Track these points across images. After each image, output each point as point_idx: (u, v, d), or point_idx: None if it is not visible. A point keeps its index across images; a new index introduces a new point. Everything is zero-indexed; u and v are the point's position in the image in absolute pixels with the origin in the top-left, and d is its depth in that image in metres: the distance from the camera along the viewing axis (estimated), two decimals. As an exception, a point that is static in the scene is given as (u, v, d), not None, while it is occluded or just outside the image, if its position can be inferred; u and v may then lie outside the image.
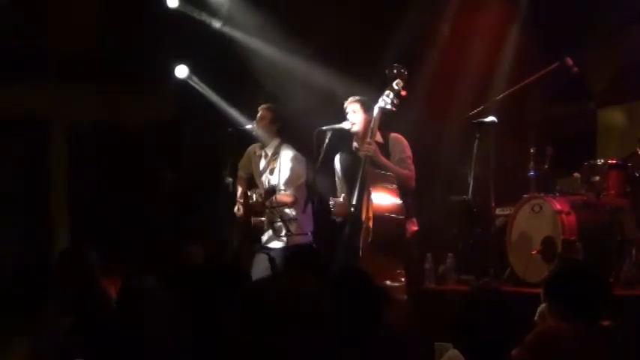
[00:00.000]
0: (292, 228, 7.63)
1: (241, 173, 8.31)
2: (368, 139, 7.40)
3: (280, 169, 7.92)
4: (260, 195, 7.91)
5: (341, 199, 7.54)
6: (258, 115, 8.15)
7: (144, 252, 9.41)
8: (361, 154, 7.41)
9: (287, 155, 7.98)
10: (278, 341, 2.49)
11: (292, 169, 7.91)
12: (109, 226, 10.17)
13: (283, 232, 7.66)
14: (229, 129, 8.53)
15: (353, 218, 7.40)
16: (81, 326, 4.01)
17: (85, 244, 5.63)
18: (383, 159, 7.39)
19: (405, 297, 6.97)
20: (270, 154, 8.08)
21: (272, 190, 7.80)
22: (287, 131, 8.26)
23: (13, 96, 10.28)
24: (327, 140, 7.73)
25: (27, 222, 10.59)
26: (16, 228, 10.38)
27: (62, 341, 3.92)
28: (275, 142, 8.09)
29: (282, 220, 7.63)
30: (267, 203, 7.84)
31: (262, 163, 8.13)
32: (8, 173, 10.58)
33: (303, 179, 7.90)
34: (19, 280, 4.80)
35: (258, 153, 8.20)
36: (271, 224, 7.85)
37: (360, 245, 7.20)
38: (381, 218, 7.13)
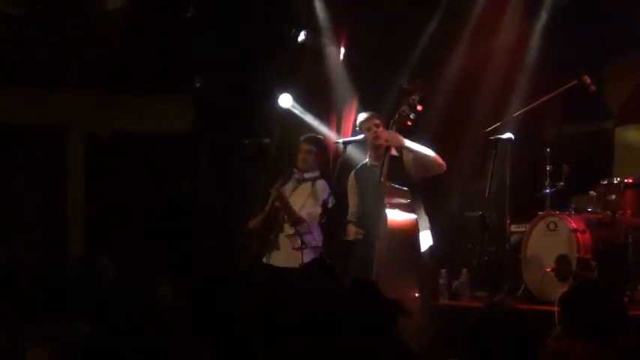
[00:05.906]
0: (307, 241, 7.60)
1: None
2: (391, 131, 7.39)
3: (310, 196, 7.92)
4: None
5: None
6: (305, 149, 8.09)
7: (159, 262, 9.43)
8: (391, 143, 7.37)
9: (321, 189, 7.93)
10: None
11: (318, 204, 7.79)
12: (125, 236, 10.19)
13: (298, 245, 7.62)
14: (246, 141, 8.48)
15: (367, 234, 7.41)
16: (97, 336, 4.02)
17: (100, 253, 5.63)
18: (411, 143, 7.37)
19: (419, 312, 6.95)
20: (306, 178, 8.06)
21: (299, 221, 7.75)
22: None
23: (32, 104, 10.33)
24: (344, 153, 7.77)
25: (43, 230, 10.62)
26: (32, 236, 10.41)
27: (78, 351, 3.94)
28: (316, 172, 8.10)
29: (298, 234, 7.60)
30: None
31: (295, 185, 8.10)
32: (25, 181, 10.62)
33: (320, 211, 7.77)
34: (34, 289, 4.80)
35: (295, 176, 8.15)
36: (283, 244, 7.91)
37: (374, 260, 7.20)
38: (395, 233, 7.13)
